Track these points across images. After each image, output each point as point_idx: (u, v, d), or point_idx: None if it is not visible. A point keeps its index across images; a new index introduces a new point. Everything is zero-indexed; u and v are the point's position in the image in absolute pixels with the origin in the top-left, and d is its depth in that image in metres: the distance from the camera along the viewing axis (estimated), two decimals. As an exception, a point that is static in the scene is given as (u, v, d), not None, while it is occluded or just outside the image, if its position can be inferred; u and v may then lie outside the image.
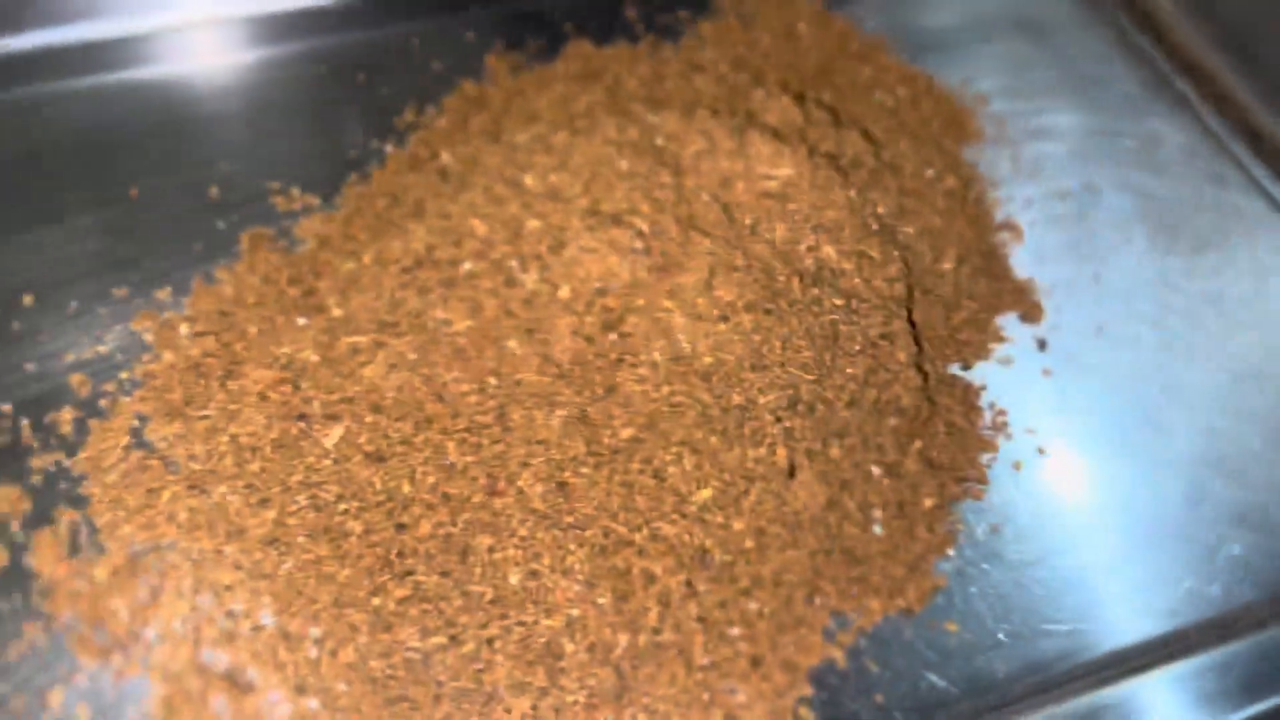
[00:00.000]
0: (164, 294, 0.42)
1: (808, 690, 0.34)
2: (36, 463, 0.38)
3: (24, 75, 0.50)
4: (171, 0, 0.52)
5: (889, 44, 0.56)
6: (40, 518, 0.37)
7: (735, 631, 0.35)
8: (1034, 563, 0.38)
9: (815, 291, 0.40)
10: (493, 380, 0.38)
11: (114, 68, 0.50)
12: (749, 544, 0.35)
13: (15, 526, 0.37)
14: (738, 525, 0.35)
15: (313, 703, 0.34)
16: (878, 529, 0.37)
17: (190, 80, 0.51)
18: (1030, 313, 0.45)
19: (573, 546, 0.35)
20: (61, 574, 0.36)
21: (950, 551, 0.38)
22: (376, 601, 0.35)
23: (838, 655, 0.35)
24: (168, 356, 0.41)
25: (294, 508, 0.36)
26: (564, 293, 0.39)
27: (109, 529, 0.37)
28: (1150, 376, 0.44)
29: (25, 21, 0.50)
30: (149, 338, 0.41)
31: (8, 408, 0.39)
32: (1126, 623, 0.37)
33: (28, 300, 0.42)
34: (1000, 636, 0.36)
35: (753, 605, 0.35)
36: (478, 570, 0.35)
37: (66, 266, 0.43)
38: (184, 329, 0.41)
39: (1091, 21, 0.59)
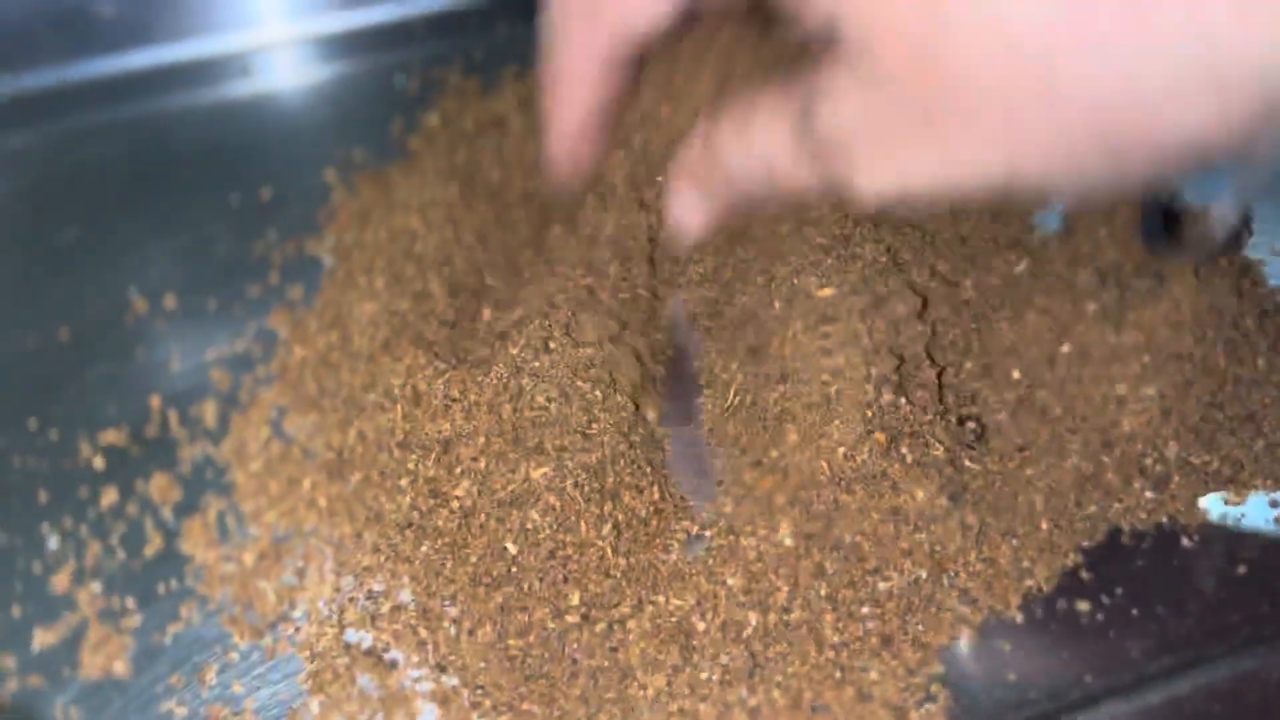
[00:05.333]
0: (296, 292, 0.44)
1: (939, 668, 0.35)
2: (185, 453, 0.40)
3: (150, 91, 0.52)
4: (274, 18, 0.54)
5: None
6: (190, 505, 0.39)
7: (865, 610, 0.35)
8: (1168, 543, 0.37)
9: None
10: None
11: (226, 81, 0.53)
12: (882, 529, 0.35)
13: (168, 513, 0.38)
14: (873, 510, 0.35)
15: (453, 680, 0.35)
16: None
17: (295, 92, 0.53)
18: None
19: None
20: (212, 558, 0.37)
21: (1084, 542, 0.37)
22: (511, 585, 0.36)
23: (968, 633, 0.35)
24: (300, 351, 0.42)
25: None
26: None
27: (254, 515, 0.38)
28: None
29: (150, 38, 0.53)
30: (283, 334, 0.43)
31: (157, 401, 0.41)
32: (1265, 600, 0.36)
33: (170, 302, 0.44)
34: (1134, 614, 0.36)
35: (882, 585, 0.35)
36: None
37: (204, 269, 0.45)
38: (314, 325, 0.43)
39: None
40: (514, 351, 0.38)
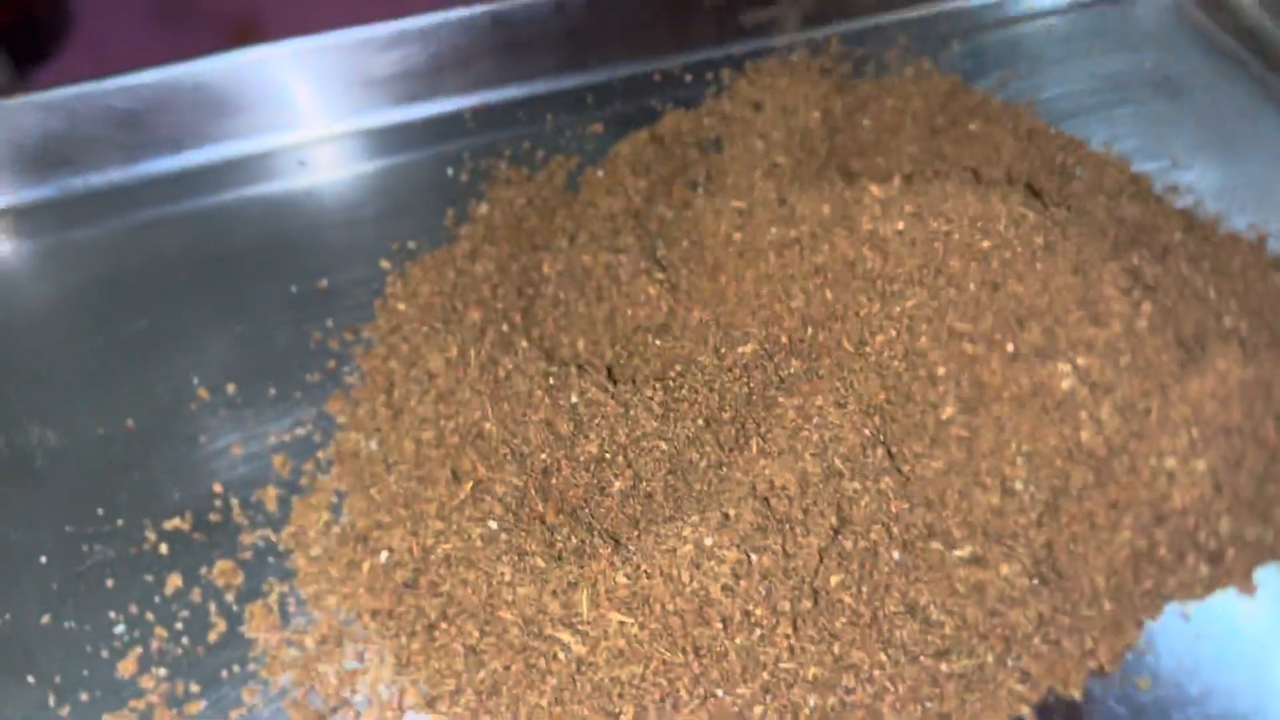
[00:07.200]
0: (353, 378, 0.45)
1: (997, 748, 0.34)
2: (246, 538, 0.41)
3: (210, 186, 0.54)
4: (327, 114, 0.56)
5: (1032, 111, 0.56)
6: (253, 590, 0.39)
7: (924, 690, 0.35)
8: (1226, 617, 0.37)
9: None
10: None
11: (283, 175, 0.55)
12: (970, 612, 0.35)
13: (231, 598, 0.39)
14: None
15: (512, 766, 0.35)
16: None
17: (349, 184, 0.54)
18: None
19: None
20: (275, 642, 0.38)
21: (1147, 619, 0.37)
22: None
23: (1026, 712, 0.35)
24: (356, 437, 0.43)
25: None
26: None
27: (315, 599, 0.39)
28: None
29: (209, 136, 0.55)
30: (342, 419, 0.44)
31: (219, 488, 0.42)
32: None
33: (231, 388, 0.45)
34: (1193, 692, 0.35)
35: (943, 666, 0.35)
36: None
37: (263, 356, 0.46)
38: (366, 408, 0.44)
39: (1230, 78, 0.59)
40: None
